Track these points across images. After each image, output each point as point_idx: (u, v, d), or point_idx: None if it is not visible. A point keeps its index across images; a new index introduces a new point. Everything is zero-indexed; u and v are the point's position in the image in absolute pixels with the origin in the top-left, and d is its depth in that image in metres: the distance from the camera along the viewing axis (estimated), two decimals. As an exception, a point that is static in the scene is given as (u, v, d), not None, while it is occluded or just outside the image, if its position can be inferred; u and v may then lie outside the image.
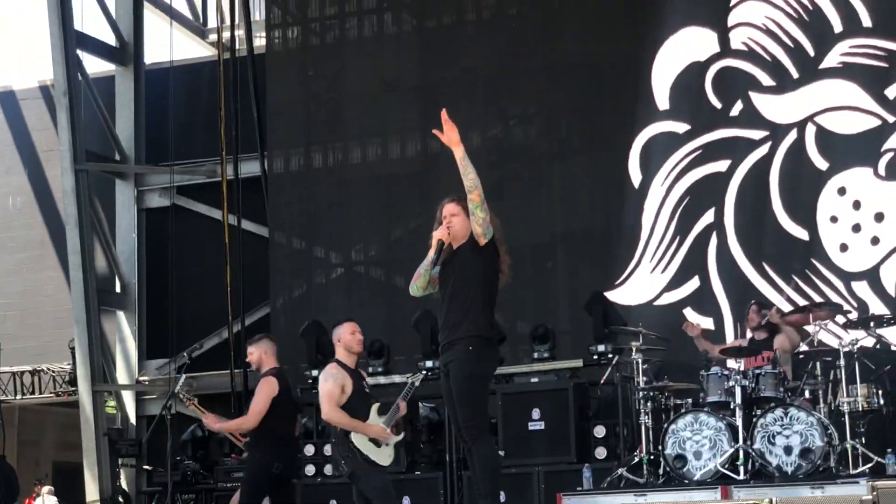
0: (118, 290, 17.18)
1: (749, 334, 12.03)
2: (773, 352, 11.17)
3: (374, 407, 9.64)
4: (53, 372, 18.56)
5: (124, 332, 17.26)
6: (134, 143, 17.29)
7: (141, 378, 17.01)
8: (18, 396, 18.78)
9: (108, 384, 16.55)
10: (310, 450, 13.19)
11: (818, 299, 12.85)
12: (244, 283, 15.95)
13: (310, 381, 13.59)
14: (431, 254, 8.45)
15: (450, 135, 8.19)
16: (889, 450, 10.46)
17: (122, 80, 17.43)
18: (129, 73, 17.37)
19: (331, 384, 9.56)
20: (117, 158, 17.33)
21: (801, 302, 12.78)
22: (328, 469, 12.99)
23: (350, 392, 9.56)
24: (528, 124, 14.74)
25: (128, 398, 17.04)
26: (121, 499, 16.10)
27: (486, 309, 8.38)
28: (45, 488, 17.16)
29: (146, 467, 16.06)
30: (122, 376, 17.06)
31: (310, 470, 13.11)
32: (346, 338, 9.74)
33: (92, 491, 15.87)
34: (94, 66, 17.35)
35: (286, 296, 15.56)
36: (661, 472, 10.92)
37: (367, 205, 15.34)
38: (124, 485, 16.35)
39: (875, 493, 7.25)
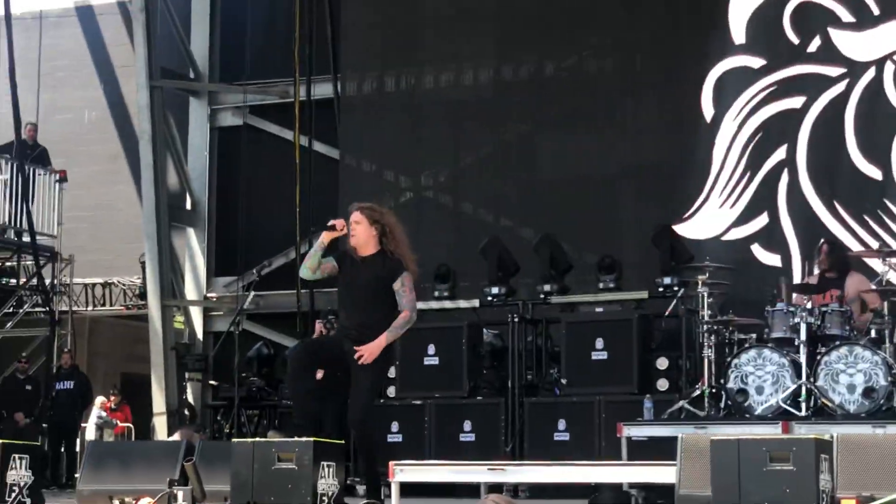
0: (188, 206, 17.36)
1: (817, 272, 11.94)
2: (840, 291, 11.10)
3: None
4: (124, 285, 18.84)
5: (193, 248, 17.46)
6: (208, 61, 17.40)
7: (209, 294, 17.20)
8: (89, 308, 19.11)
9: (177, 299, 16.78)
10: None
11: (889, 239, 12.76)
12: (313, 204, 16.04)
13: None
14: (324, 240, 8.61)
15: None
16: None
17: (198, -1, 17.52)
18: (206, -8, 17.46)
19: None
20: (192, 76, 17.44)
21: (872, 241, 12.70)
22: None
23: None
24: (602, 56, 14.64)
25: (195, 314, 17.26)
26: (186, 411, 16.37)
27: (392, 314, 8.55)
28: (99, 399, 17.44)
29: (212, 382, 16.32)
30: (190, 292, 17.27)
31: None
32: None
33: (159, 403, 16.16)
34: (172, -17, 17.43)
35: (355, 218, 15.59)
36: (722, 405, 10.92)
37: (438, 130, 15.35)
38: (190, 398, 16.62)
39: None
